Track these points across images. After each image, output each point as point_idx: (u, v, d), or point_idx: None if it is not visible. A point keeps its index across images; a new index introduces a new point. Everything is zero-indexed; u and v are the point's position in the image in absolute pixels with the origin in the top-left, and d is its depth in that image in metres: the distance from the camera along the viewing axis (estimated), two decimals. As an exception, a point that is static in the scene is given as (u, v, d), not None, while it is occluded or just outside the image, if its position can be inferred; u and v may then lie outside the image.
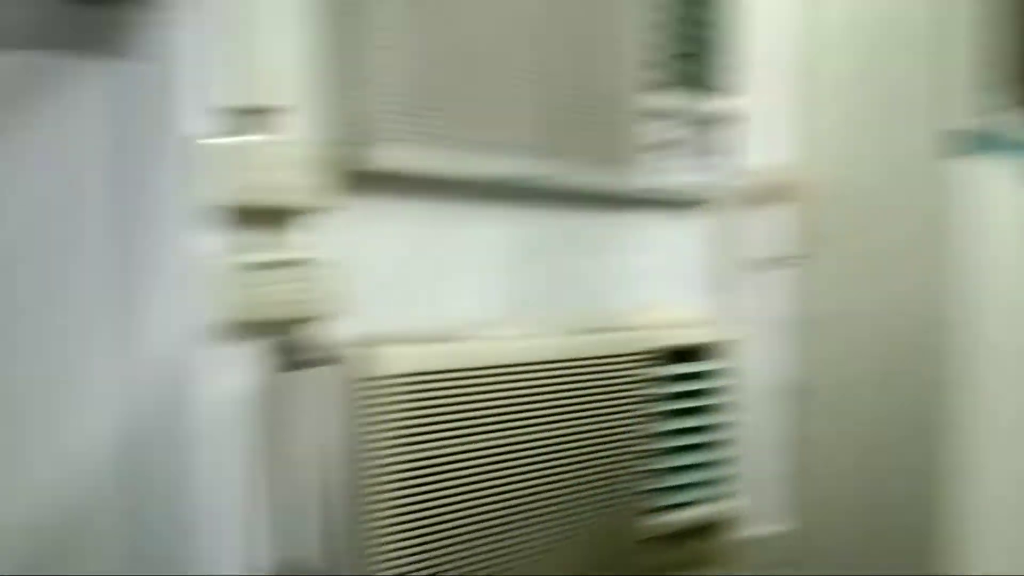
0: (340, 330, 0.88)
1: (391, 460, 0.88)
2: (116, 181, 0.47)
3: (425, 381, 0.90)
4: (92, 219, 0.46)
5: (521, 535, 0.96)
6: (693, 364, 1.17)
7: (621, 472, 1.07)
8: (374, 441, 0.87)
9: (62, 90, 0.44)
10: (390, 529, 0.88)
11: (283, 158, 0.77)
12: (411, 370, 0.89)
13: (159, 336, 0.48)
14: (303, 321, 0.78)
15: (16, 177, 0.43)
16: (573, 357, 1.03)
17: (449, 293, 0.97)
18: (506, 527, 0.98)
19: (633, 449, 1.09)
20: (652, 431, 1.11)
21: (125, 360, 0.49)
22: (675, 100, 1.15)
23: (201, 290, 0.49)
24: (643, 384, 1.10)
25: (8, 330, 0.44)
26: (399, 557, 0.88)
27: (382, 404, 0.87)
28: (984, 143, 1.10)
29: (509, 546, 0.95)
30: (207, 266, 0.49)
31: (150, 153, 0.47)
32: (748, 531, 1.23)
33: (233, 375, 0.52)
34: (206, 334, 0.49)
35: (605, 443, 1.07)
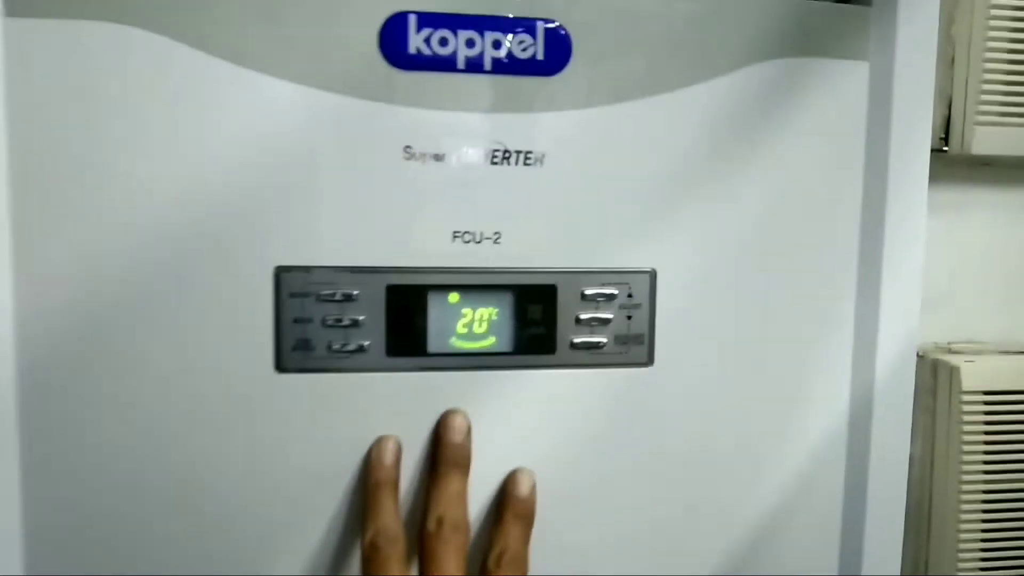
0: (922, 333, 0.80)
1: (972, 487, 0.78)
2: (856, 177, 0.48)
3: (1016, 400, 0.78)
4: (838, 210, 0.48)
5: None
6: None
7: None
8: (953, 462, 0.79)
9: (807, 90, 0.46)
10: (964, 561, 0.79)
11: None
12: (1001, 387, 0.78)
13: (886, 334, 0.49)
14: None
15: (779, 170, 0.47)
16: None
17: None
18: None
19: None
20: None
21: (857, 349, 0.50)
22: None
23: (916, 291, 0.49)
24: None
25: (761, 314, 0.48)
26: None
27: (964, 421, 0.78)
28: None
29: None
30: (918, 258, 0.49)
31: (885, 149, 0.48)
32: None
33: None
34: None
35: None
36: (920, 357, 0.85)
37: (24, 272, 0.40)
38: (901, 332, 0.49)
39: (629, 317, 0.46)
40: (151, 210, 0.41)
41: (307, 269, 0.42)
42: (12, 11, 0.39)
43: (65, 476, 0.42)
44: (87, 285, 0.41)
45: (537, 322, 0.45)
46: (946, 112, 0.82)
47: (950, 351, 0.85)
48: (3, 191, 0.39)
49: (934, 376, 0.84)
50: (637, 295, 0.46)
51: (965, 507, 0.81)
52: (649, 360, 0.46)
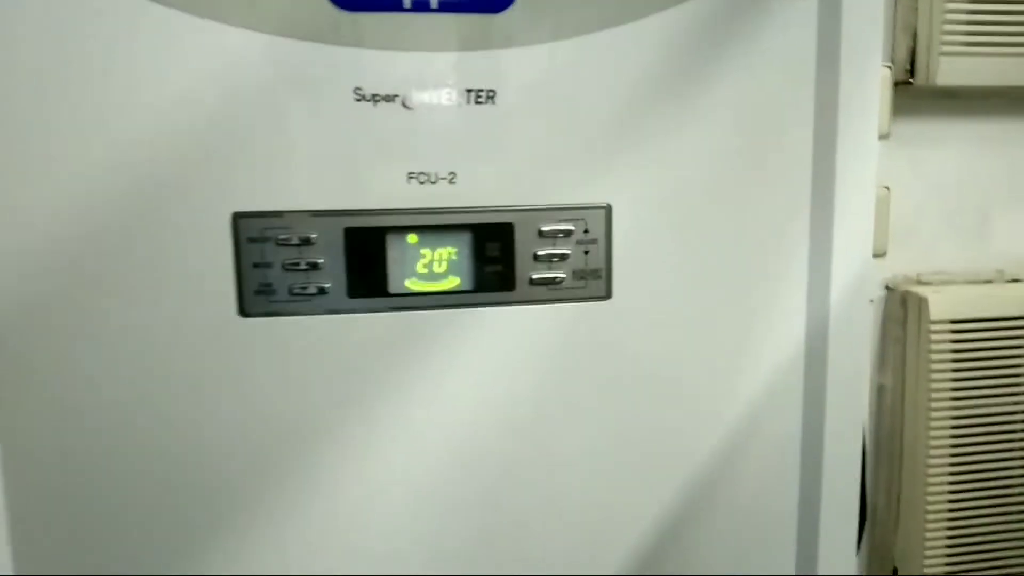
0: (890, 265, 0.82)
1: (940, 414, 0.80)
2: (807, 107, 0.48)
3: (983, 328, 0.79)
4: (790, 141, 0.48)
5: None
6: None
7: None
8: (923, 391, 0.80)
9: (757, 20, 0.46)
10: (934, 488, 0.81)
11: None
12: (968, 316, 0.79)
13: (840, 262, 0.49)
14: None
15: (731, 102, 0.47)
16: None
17: (1015, 225, 0.84)
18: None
19: None
20: None
21: (812, 279, 0.50)
22: None
23: (868, 218, 0.49)
24: None
25: (705, 250, 0.48)
26: (940, 520, 0.81)
27: (933, 351, 0.79)
28: None
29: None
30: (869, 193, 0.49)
31: (835, 80, 0.48)
32: None
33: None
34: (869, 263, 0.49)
35: None
36: (889, 289, 0.86)
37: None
38: (855, 258, 0.50)
39: (586, 252, 0.47)
40: (104, 162, 0.41)
41: (264, 214, 0.43)
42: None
43: (37, 432, 0.42)
44: (43, 239, 0.41)
45: (495, 260, 0.46)
46: (911, 44, 0.82)
47: (919, 283, 0.86)
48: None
49: (903, 307, 0.85)
50: (593, 230, 0.46)
51: (934, 433, 0.83)
52: (607, 294, 0.47)
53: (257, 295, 0.43)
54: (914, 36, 0.81)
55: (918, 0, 0.81)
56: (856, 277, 0.50)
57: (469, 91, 0.44)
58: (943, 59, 0.80)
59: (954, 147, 0.87)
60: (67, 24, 0.40)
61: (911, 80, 0.81)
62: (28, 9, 0.40)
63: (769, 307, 0.50)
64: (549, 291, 0.47)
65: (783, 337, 0.50)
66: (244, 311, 0.43)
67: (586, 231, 0.46)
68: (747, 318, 0.50)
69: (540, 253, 0.46)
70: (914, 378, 0.85)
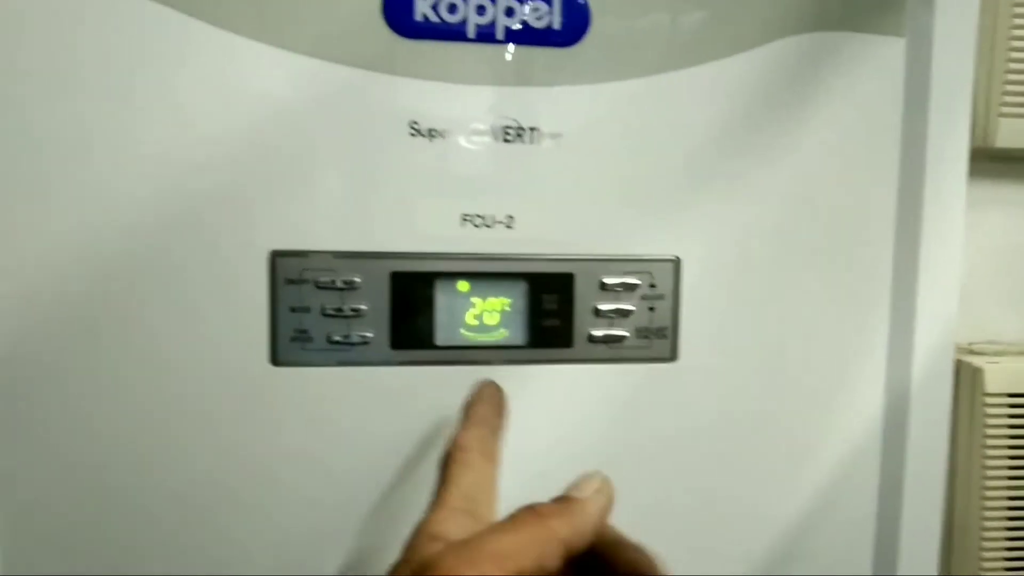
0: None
1: (996, 493, 0.75)
2: (892, 159, 0.45)
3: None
4: (873, 198, 0.45)
5: None
6: None
7: None
8: (977, 468, 0.76)
9: (840, 66, 0.44)
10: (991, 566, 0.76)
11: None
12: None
13: (923, 329, 0.46)
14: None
15: (811, 151, 0.44)
16: None
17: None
18: None
19: None
20: None
21: (892, 346, 0.47)
22: None
23: (954, 283, 0.47)
24: None
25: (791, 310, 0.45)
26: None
27: (988, 425, 0.75)
28: None
29: None
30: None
31: (923, 131, 0.45)
32: None
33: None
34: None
35: None
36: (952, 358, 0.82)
37: (4, 265, 0.37)
38: (939, 324, 0.46)
39: (651, 308, 0.43)
40: (137, 191, 0.38)
41: (304, 254, 0.39)
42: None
43: (51, 477, 0.39)
44: (73, 276, 0.38)
45: (553, 313, 0.42)
46: (979, 105, 0.79)
47: (971, 351, 0.82)
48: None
49: (956, 377, 0.80)
50: (660, 285, 0.43)
51: (989, 514, 0.78)
52: (673, 355, 0.43)
53: (292, 342, 0.39)
54: (980, 96, 0.79)
55: (978, 60, 0.78)
56: (939, 345, 0.46)
57: (533, 129, 0.41)
58: (1003, 120, 0.77)
59: (1012, 211, 0.84)
60: (104, 43, 0.37)
61: (979, 143, 0.79)
62: (72, 32, 0.37)
63: (846, 374, 0.46)
64: (610, 350, 0.42)
65: (860, 407, 0.46)
66: (276, 360, 0.39)
67: (652, 285, 0.43)
68: (822, 386, 0.45)
69: (602, 308, 0.42)
70: (967, 454, 0.80)
